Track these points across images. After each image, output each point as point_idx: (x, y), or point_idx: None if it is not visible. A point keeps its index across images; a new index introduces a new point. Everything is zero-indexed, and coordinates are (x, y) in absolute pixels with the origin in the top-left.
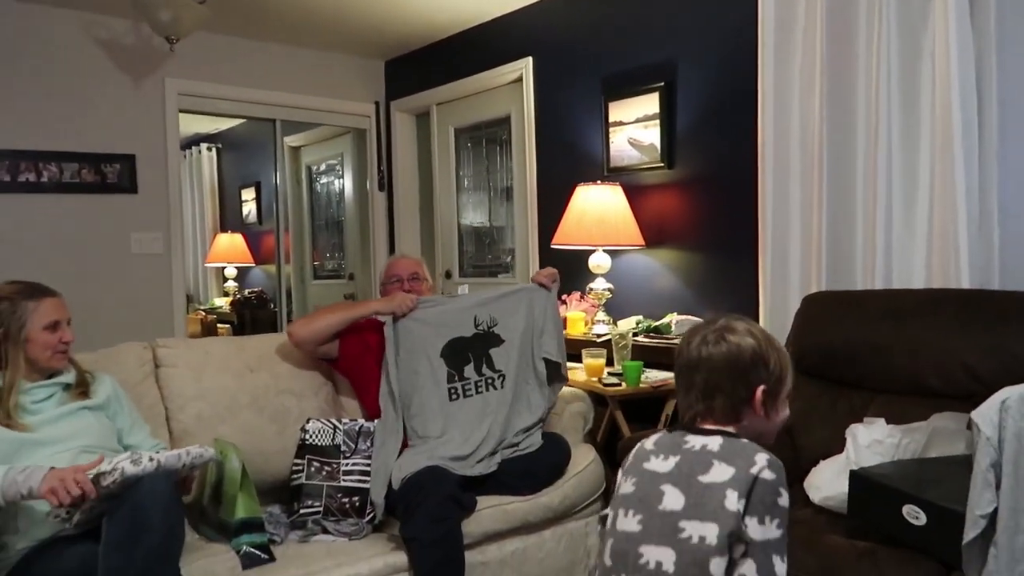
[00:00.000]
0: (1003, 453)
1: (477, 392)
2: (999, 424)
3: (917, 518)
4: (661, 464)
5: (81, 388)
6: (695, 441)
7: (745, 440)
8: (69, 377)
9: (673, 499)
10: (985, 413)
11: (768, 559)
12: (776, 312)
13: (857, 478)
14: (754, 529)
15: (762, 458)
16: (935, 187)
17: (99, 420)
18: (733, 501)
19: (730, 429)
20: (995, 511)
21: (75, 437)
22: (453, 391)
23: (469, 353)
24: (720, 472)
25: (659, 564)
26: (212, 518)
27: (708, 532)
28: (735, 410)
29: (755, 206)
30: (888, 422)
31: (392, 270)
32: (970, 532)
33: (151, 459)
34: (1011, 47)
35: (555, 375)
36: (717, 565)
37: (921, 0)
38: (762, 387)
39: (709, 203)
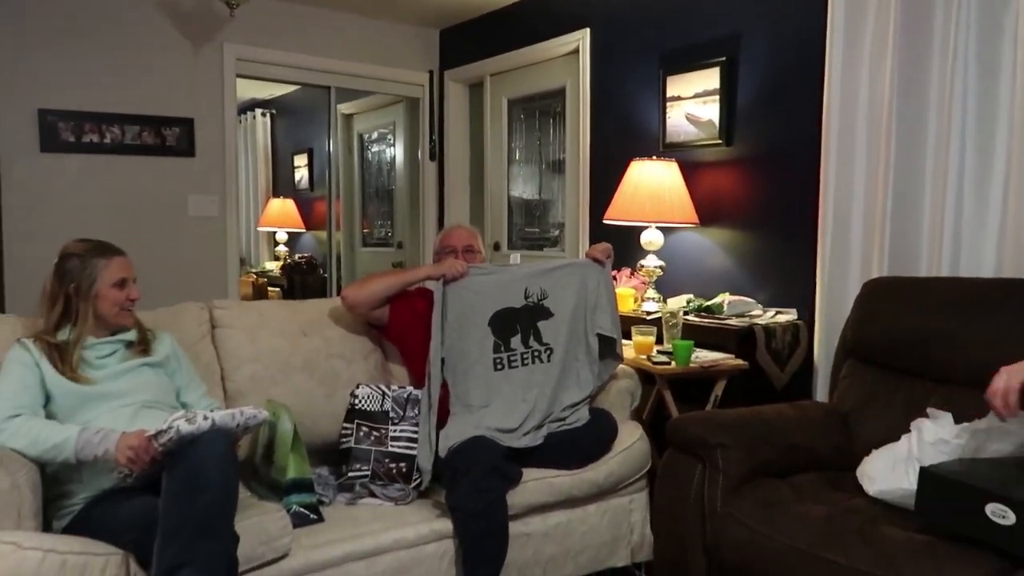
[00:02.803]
0: None
1: (523, 364)
2: None
3: (1004, 517)
4: None
5: (142, 345)
6: None
7: None
8: (131, 335)
9: None
10: None
11: None
12: (833, 297)
13: (930, 475)
14: None
15: None
16: (1011, 171)
17: (159, 377)
18: None
19: None
20: None
21: (136, 392)
22: (498, 361)
23: (517, 324)
24: None
25: None
26: (264, 477)
27: None
28: None
29: (816, 187)
30: (951, 412)
31: (446, 240)
32: None
33: (205, 418)
34: None
35: (609, 352)
36: None
37: None
38: None
39: (767, 182)
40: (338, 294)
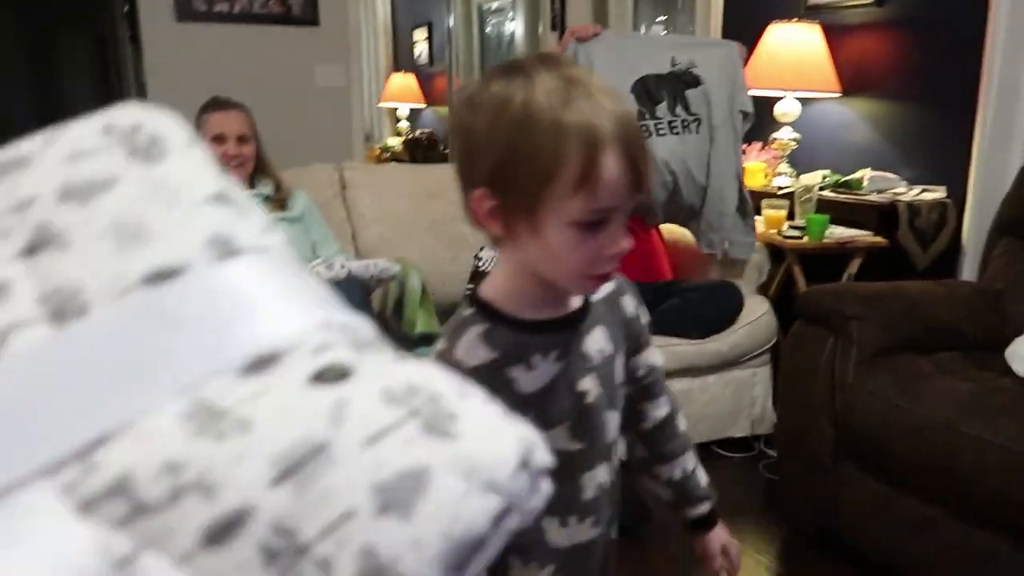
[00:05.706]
0: None
1: (672, 131)
2: None
3: None
4: None
5: (279, 201)
6: None
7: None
8: (268, 189)
9: None
10: None
11: None
12: (992, 173)
13: None
14: None
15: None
16: None
17: (295, 231)
18: None
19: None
20: None
21: None
22: (644, 129)
23: (664, 91)
24: None
25: None
26: (394, 331)
27: None
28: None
29: (980, 54)
30: None
31: None
32: None
33: (342, 266)
34: None
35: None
36: None
37: None
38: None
39: (922, 48)
40: None
